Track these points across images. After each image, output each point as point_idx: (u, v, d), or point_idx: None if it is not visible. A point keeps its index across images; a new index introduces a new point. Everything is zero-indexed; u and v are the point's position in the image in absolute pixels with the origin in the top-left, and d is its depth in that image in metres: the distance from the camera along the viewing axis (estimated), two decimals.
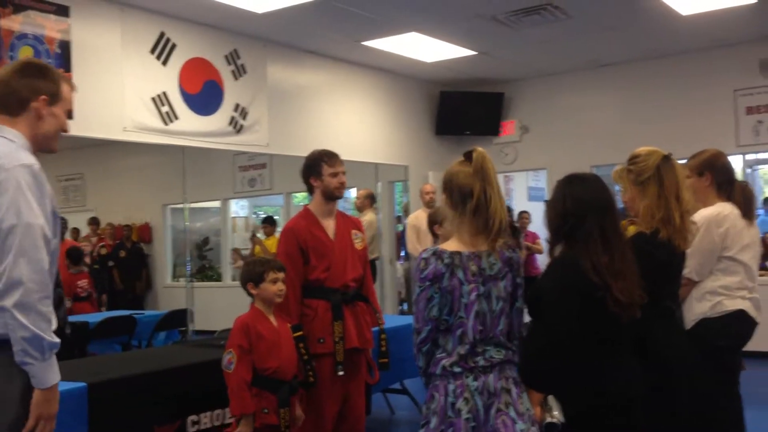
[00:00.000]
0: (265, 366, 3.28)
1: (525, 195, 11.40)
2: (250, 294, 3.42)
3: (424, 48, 7.68)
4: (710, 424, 3.25)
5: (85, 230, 11.11)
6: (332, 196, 3.75)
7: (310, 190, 3.81)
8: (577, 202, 2.48)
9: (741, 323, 3.53)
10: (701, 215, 3.34)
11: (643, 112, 8.54)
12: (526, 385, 2.40)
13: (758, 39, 7.79)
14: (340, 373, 3.55)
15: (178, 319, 7.63)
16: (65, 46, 5.53)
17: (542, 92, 9.26)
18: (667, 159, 2.91)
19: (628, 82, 8.68)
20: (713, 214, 3.43)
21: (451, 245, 2.35)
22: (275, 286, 3.35)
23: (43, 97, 2.27)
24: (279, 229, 9.67)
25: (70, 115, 2.40)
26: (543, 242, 8.52)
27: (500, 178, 11.69)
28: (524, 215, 9.59)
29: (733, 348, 3.62)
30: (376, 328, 3.83)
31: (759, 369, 7.12)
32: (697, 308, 3.44)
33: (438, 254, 2.30)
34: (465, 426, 2.25)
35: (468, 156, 2.40)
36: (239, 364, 3.23)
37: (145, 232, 11.30)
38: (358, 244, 3.81)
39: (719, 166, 3.59)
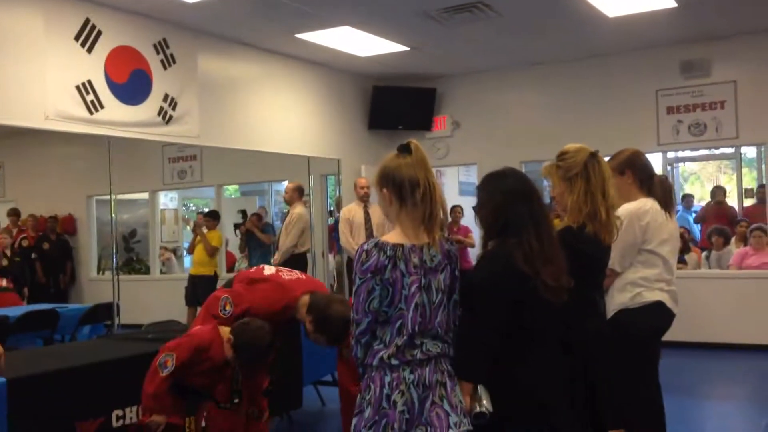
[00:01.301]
0: (194, 382, 3.27)
1: (456, 189, 11.55)
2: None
3: (358, 42, 7.69)
4: (630, 413, 3.33)
5: (4, 221, 10.71)
6: None
7: None
8: (505, 193, 2.55)
9: (658, 314, 3.66)
10: (624, 209, 3.46)
11: (571, 110, 8.77)
12: (457, 376, 2.44)
13: (679, 41, 8.09)
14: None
15: (104, 312, 7.43)
16: None
17: (473, 89, 9.40)
18: (594, 156, 3.01)
19: (557, 81, 8.90)
20: (636, 208, 3.56)
21: (392, 237, 2.36)
22: None
23: None
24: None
25: None
26: (475, 237, 8.67)
27: (432, 172, 11.81)
28: (456, 209, 9.71)
29: (651, 338, 3.77)
30: None
31: (676, 358, 7.43)
32: (617, 298, 3.57)
33: (380, 246, 2.32)
34: (399, 418, 2.28)
35: (405, 149, 2.42)
36: (174, 373, 3.19)
37: (69, 224, 10.97)
38: None
39: (639, 164, 3.73)
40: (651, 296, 3.59)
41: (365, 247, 2.33)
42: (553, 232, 2.59)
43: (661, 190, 3.74)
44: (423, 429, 2.30)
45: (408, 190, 2.35)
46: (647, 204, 3.58)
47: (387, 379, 2.31)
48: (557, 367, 2.56)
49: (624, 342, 3.51)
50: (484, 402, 2.41)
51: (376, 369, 2.34)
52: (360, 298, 2.32)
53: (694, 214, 10.35)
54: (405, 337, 2.32)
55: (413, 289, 2.32)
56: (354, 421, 2.37)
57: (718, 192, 9.61)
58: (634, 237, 3.52)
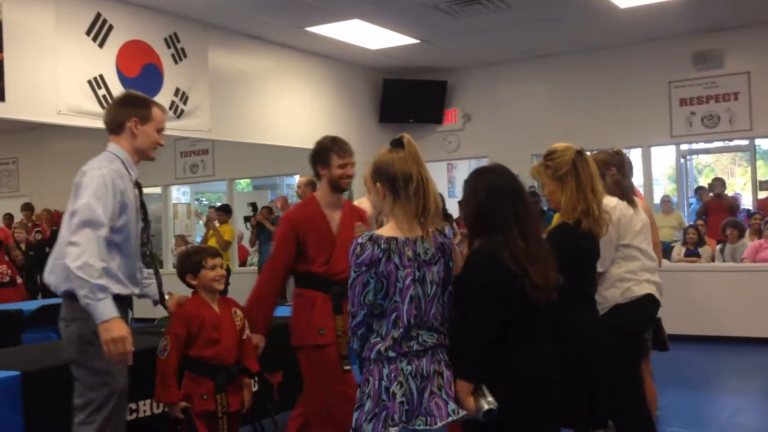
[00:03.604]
0: (203, 353, 3.27)
1: None
2: (190, 285, 3.40)
3: (368, 35, 7.67)
4: (622, 404, 3.46)
5: (19, 216, 10.79)
6: (338, 187, 3.58)
7: (318, 177, 3.68)
8: (490, 191, 2.56)
9: (650, 307, 3.73)
10: None
11: (582, 102, 8.73)
12: (456, 377, 2.45)
13: (691, 32, 8.03)
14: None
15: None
16: None
17: (484, 81, 9.37)
18: (580, 154, 3.07)
19: (567, 73, 8.85)
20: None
21: (387, 231, 2.40)
22: (213, 272, 3.36)
23: (134, 119, 3.03)
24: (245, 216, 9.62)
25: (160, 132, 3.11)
26: None
27: (443, 165, 11.74)
28: None
29: (643, 331, 3.83)
30: None
31: (690, 352, 7.40)
32: (607, 296, 3.60)
33: (374, 240, 2.35)
34: (399, 409, 2.31)
35: (398, 143, 2.45)
36: (173, 351, 3.22)
37: None
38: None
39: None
40: (640, 290, 3.65)
41: (359, 240, 2.36)
42: (539, 231, 2.61)
43: (619, 189, 3.79)
44: (423, 419, 2.34)
45: (401, 184, 2.38)
46: (612, 201, 3.62)
47: (385, 371, 2.34)
48: (549, 359, 2.57)
49: (618, 338, 3.57)
50: (489, 398, 2.42)
51: (374, 362, 2.37)
52: (355, 291, 2.35)
53: None
54: (401, 330, 2.35)
55: (408, 281, 2.35)
56: (355, 416, 2.39)
57: (717, 184, 9.54)
58: (608, 236, 3.53)
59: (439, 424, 2.36)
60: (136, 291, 3.10)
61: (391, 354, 2.35)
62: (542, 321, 2.56)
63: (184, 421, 3.23)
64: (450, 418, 2.36)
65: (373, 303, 2.36)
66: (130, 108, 3.08)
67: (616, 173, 3.92)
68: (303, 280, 3.59)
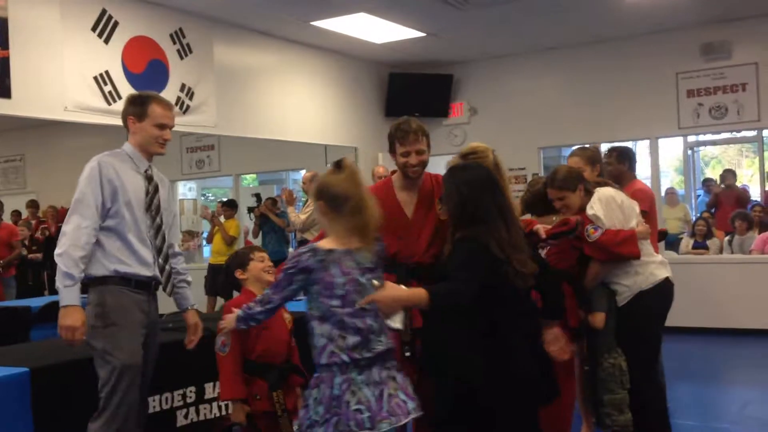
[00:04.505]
0: (251, 349, 3.21)
1: None
2: (239, 282, 3.40)
3: (374, 29, 7.65)
4: (646, 396, 3.64)
5: (25, 213, 10.82)
6: (406, 175, 3.40)
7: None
8: (471, 186, 2.72)
9: (670, 290, 3.80)
10: (599, 194, 3.68)
11: (589, 95, 8.68)
12: (422, 288, 2.59)
13: (699, 23, 7.97)
14: (408, 353, 3.30)
15: None
16: (2, 23, 5.33)
17: (490, 74, 9.33)
18: (494, 154, 3.24)
19: (575, 65, 8.81)
20: (608, 193, 3.72)
21: (326, 243, 2.58)
22: (262, 263, 3.40)
23: (131, 117, 3.23)
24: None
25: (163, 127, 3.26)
26: None
27: (449, 159, 11.78)
28: None
29: (666, 313, 3.87)
30: None
31: (699, 344, 7.38)
32: (631, 284, 3.66)
33: (314, 251, 2.54)
34: (354, 416, 2.45)
35: (338, 165, 2.64)
36: (235, 345, 3.16)
37: None
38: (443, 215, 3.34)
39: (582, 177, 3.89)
40: (660, 273, 3.71)
41: (301, 250, 2.59)
42: (517, 221, 2.75)
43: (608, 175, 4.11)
44: (388, 422, 2.48)
45: (339, 203, 2.57)
46: (609, 190, 3.73)
47: (337, 380, 2.49)
48: (533, 352, 2.72)
49: (646, 323, 3.61)
50: (400, 325, 2.57)
51: (326, 369, 2.51)
52: (280, 285, 2.59)
53: None
54: (350, 334, 2.50)
55: (348, 288, 2.52)
56: (300, 413, 2.57)
57: (728, 176, 9.49)
58: (614, 220, 3.63)
59: (403, 421, 2.53)
60: (149, 274, 3.20)
61: (345, 359, 2.48)
62: (527, 309, 2.71)
63: (247, 426, 3.17)
64: (410, 416, 2.54)
65: (293, 298, 2.61)
66: (129, 106, 3.30)
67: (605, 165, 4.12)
68: None
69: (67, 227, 3.03)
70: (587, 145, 4.70)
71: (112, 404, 2.99)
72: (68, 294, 2.96)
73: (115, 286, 3.10)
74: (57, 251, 2.98)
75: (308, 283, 2.55)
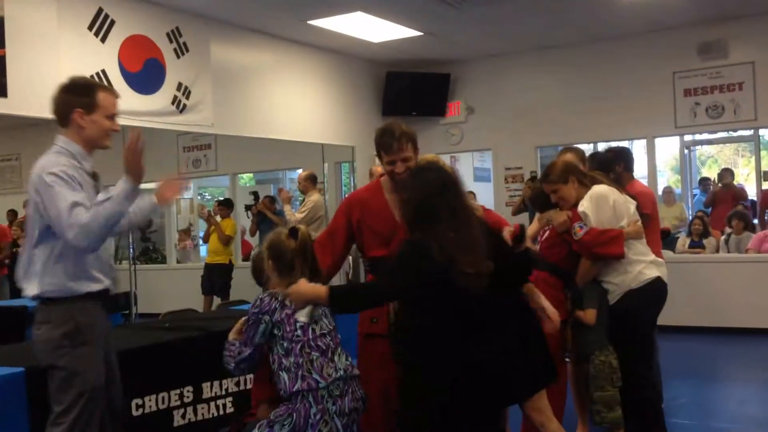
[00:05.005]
0: None
1: (471, 175, 11.50)
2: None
3: (371, 28, 7.64)
4: (635, 390, 3.71)
5: (21, 213, 10.78)
6: (393, 179, 3.35)
7: None
8: (425, 189, 2.78)
9: (661, 290, 3.80)
10: (590, 193, 3.75)
11: (586, 94, 8.68)
12: (326, 290, 2.75)
13: (696, 23, 7.98)
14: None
15: (121, 302, 7.48)
16: None
17: (487, 74, 9.32)
18: (449, 166, 3.25)
19: (572, 64, 8.81)
20: (598, 191, 3.76)
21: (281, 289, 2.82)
22: None
23: (79, 110, 2.87)
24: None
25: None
26: None
27: (446, 158, 11.79)
28: (470, 195, 9.68)
29: (657, 315, 3.88)
30: None
31: (695, 343, 7.39)
32: (620, 282, 3.70)
33: (273, 295, 2.78)
34: None
35: (293, 233, 2.85)
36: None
37: None
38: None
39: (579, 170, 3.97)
40: (650, 273, 3.72)
41: (261, 296, 2.81)
42: (473, 222, 2.79)
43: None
44: None
45: (287, 266, 2.83)
46: (602, 187, 3.75)
47: (312, 410, 2.65)
48: (498, 347, 2.76)
49: (634, 323, 3.61)
50: (305, 318, 2.72)
51: (301, 399, 2.67)
52: (250, 333, 2.77)
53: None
54: (314, 351, 2.71)
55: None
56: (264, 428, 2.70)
57: (726, 174, 9.50)
58: (609, 215, 3.67)
59: None
60: (108, 284, 2.99)
61: (317, 377, 2.67)
62: (489, 309, 2.73)
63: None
64: None
65: (262, 344, 2.79)
66: (72, 97, 2.94)
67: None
68: (368, 266, 3.56)
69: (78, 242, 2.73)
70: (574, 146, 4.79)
71: (68, 420, 2.75)
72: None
73: (84, 303, 2.85)
74: (73, 233, 2.70)
75: (272, 325, 2.74)
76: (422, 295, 2.69)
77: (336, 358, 2.76)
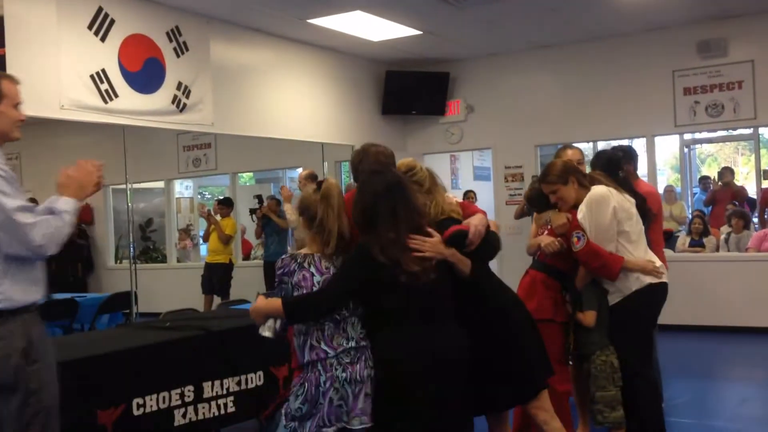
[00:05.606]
0: None
1: (471, 174, 11.50)
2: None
3: (370, 27, 7.64)
4: (637, 390, 3.70)
5: None
6: None
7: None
8: (370, 193, 2.87)
9: (661, 291, 3.80)
10: (589, 195, 3.74)
11: (586, 93, 8.69)
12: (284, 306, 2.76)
13: (696, 21, 7.98)
14: None
15: (122, 301, 7.49)
16: None
17: (487, 72, 9.32)
18: (427, 168, 3.30)
19: (571, 63, 8.81)
20: (598, 194, 3.73)
21: (305, 250, 2.89)
22: None
23: None
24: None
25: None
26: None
27: (446, 157, 11.67)
28: (470, 194, 9.71)
29: (657, 316, 3.87)
30: None
31: (695, 342, 7.39)
32: (621, 285, 3.69)
33: (293, 257, 2.85)
34: (335, 411, 2.69)
35: (319, 185, 2.91)
36: None
37: (86, 214, 11.04)
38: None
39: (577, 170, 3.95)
40: (647, 278, 3.70)
41: (283, 256, 2.88)
42: (419, 222, 2.87)
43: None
44: (358, 419, 2.72)
45: (313, 218, 2.86)
46: (601, 188, 3.71)
47: (322, 378, 2.71)
48: (447, 340, 2.81)
49: (635, 325, 3.61)
50: (268, 333, 2.78)
51: (311, 367, 2.73)
52: (279, 294, 2.79)
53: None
54: (329, 324, 2.74)
55: (325, 283, 2.78)
56: (286, 404, 2.78)
57: (726, 173, 9.50)
58: (601, 221, 3.65)
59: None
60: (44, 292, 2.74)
61: (326, 348, 2.71)
62: (431, 304, 2.80)
63: None
64: None
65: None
66: None
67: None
68: None
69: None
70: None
71: None
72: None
73: (35, 316, 2.63)
74: (38, 242, 2.51)
75: (292, 287, 2.79)
76: (370, 295, 2.78)
77: (349, 329, 2.80)
